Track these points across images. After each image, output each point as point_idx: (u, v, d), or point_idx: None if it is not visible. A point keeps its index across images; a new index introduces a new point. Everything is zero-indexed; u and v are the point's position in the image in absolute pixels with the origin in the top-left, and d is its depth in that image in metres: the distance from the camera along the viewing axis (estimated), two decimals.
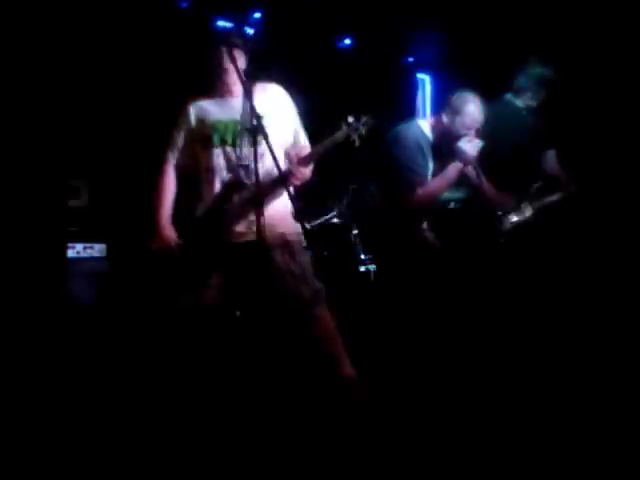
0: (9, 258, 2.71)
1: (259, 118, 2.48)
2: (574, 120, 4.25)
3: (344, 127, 2.77)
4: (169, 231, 2.80)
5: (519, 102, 3.89)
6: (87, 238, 3.61)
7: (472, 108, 3.41)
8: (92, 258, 3.61)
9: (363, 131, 2.79)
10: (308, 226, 3.90)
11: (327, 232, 3.93)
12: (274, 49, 4.77)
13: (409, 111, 6.18)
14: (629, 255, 3.88)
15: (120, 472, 2.32)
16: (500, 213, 3.73)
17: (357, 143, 2.80)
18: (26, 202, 2.78)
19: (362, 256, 3.83)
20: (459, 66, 5.34)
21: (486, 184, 3.71)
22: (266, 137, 2.49)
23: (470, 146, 3.35)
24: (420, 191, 3.40)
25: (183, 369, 2.70)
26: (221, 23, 4.58)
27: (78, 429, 2.61)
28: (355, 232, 3.80)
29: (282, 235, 2.81)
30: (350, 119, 2.79)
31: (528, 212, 3.78)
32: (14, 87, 2.75)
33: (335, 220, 4.01)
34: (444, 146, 3.55)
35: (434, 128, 3.54)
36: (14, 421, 2.53)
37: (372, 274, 3.72)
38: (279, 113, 2.88)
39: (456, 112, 3.44)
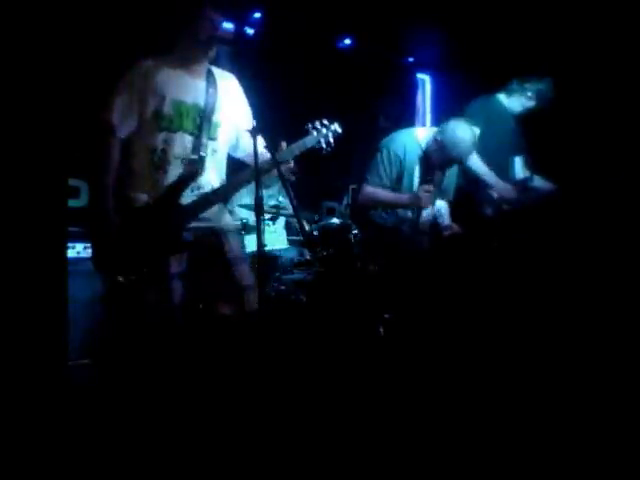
0: (9, 258, 2.70)
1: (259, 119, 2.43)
2: (553, 131, 4.34)
3: (314, 132, 2.71)
4: (114, 219, 2.55)
5: (508, 104, 3.96)
6: (87, 238, 3.60)
7: (461, 147, 3.58)
8: None
9: (331, 139, 2.73)
10: (314, 232, 3.91)
11: (327, 232, 3.92)
12: (274, 49, 4.78)
13: (409, 111, 6.19)
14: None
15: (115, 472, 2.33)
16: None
17: (324, 151, 2.75)
18: (26, 202, 2.77)
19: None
20: (459, 66, 5.35)
21: (490, 173, 3.78)
22: (255, 140, 2.39)
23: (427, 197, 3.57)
24: (367, 190, 3.67)
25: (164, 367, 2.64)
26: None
27: (78, 428, 2.61)
28: (355, 232, 3.79)
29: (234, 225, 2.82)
30: (318, 124, 2.72)
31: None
32: (14, 87, 2.75)
33: (335, 220, 4.01)
34: (434, 160, 3.69)
35: (428, 142, 3.71)
36: (15, 420, 2.53)
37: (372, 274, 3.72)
38: (233, 107, 2.77)
39: (446, 144, 3.60)
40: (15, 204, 2.74)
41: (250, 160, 2.67)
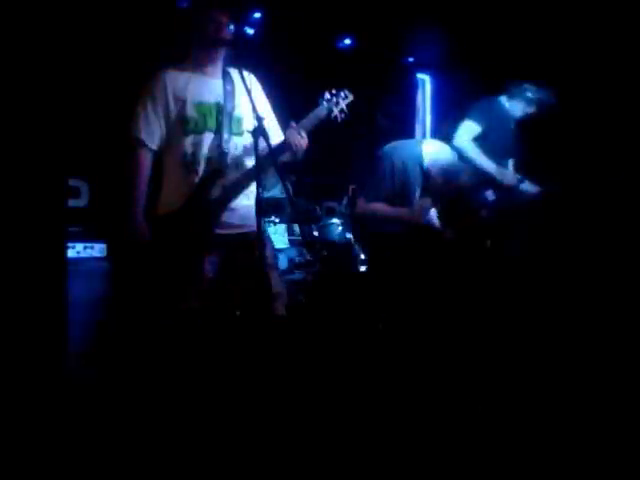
0: (9, 258, 2.70)
1: (260, 120, 2.42)
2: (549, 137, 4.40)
3: (324, 103, 2.70)
4: (146, 228, 2.58)
5: (510, 107, 4.04)
6: (87, 238, 3.61)
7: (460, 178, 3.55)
8: (92, 258, 3.60)
9: (344, 105, 2.72)
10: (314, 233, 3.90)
11: (327, 232, 3.93)
12: (274, 49, 4.78)
13: (409, 111, 6.20)
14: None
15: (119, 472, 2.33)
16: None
17: (339, 119, 2.73)
18: (26, 202, 2.77)
19: (362, 256, 3.83)
20: (459, 66, 5.35)
21: (487, 160, 3.81)
22: (267, 139, 2.39)
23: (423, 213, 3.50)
24: (364, 204, 3.53)
25: (190, 372, 2.65)
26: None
27: (78, 429, 2.61)
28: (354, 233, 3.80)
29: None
30: (327, 95, 2.71)
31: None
32: (14, 86, 2.75)
33: (335, 220, 4.01)
34: (434, 179, 3.59)
35: (429, 162, 3.58)
36: (15, 420, 2.53)
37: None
38: (255, 101, 2.67)
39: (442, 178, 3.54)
40: (15, 204, 2.74)
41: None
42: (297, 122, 2.67)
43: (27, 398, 2.62)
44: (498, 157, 3.93)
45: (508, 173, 3.90)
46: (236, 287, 2.63)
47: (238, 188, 2.65)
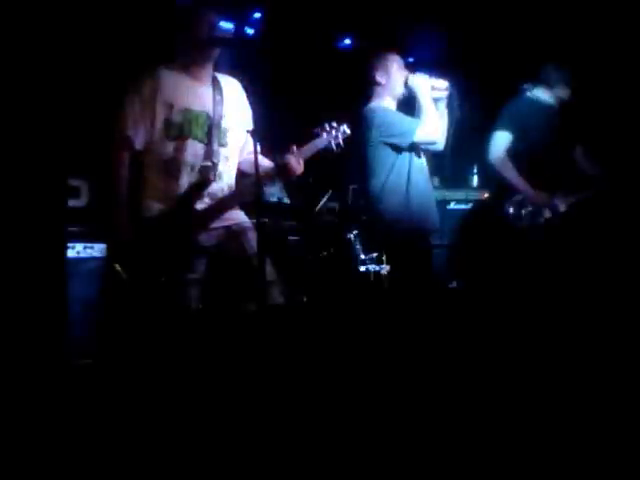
0: (9, 258, 2.70)
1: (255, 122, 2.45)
2: (601, 115, 4.16)
3: (324, 135, 2.76)
4: (129, 227, 2.60)
5: (547, 97, 3.86)
6: (87, 238, 3.60)
7: (396, 67, 3.71)
8: (92, 258, 3.60)
9: (341, 140, 2.78)
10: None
11: (327, 232, 3.92)
12: (274, 49, 4.78)
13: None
14: None
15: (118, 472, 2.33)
16: (530, 209, 3.74)
17: (335, 150, 2.79)
18: (26, 202, 2.77)
19: (362, 256, 3.83)
20: (459, 66, 5.35)
21: (520, 180, 3.73)
22: (255, 142, 2.43)
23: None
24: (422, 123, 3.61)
25: (184, 369, 2.67)
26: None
27: (78, 429, 2.61)
28: (355, 232, 3.79)
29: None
30: (327, 127, 2.77)
31: (562, 208, 3.77)
32: (14, 86, 2.75)
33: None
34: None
35: (386, 96, 3.72)
36: (15, 421, 2.53)
37: (372, 274, 3.71)
38: (240, 112, 2.80)
39: (388, 74, 3.70)
40: (15, 204, 2.74)
41: (246, 167, 2.71)
42: (298, 147, 2.73)
43: (26, 398, 2.62)
44: (547, 153, 3.75)
45: (540, 194, 3.76)
46: (227, 280, 2.65)
47: (228, 203, 2.68)
